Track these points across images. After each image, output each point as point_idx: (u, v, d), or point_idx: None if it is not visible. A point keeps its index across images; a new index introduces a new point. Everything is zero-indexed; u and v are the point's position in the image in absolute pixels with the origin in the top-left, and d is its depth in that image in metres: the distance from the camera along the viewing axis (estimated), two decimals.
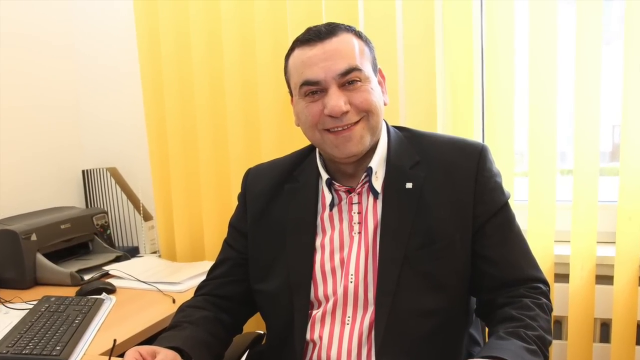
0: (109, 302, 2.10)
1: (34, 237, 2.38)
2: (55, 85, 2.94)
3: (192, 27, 2.56)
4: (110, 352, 1.52)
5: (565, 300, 2.20)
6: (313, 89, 1.49)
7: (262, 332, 1.99)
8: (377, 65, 1.59)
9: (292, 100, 1.61)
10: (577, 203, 2.15)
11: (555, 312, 2.14)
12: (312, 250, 1.58)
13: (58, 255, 2.51)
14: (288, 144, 2.39)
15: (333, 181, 1.59)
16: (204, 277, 1.79)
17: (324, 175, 1.60)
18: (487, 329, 1.59)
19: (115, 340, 1.55)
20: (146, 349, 1.38)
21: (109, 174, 2.92)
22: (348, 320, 1.51)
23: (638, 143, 2.05)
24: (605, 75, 2.08)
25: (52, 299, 2.00)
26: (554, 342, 2.30)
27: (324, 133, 1.51)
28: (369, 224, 1.54)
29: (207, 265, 1.94)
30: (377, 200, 1.55)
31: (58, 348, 1.63)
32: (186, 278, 2.32)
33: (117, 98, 2.98)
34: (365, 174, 1.55)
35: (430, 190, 1.53)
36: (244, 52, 2.52)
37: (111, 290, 2.23)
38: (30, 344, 1.64)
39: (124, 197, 2.91)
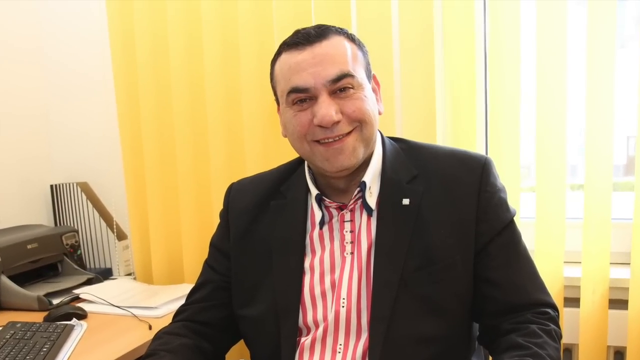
0: (79, 328, 2.08)
1: None
2: (21, 92, 2.94)
3: (170, 29, 2.57)
4: None
5: (576, 326, 2.20)
6: (301, 97, 1.49)
7: None
8: (371, 71, 1.60)
9: (278, 109, 1.61)
10: (589, 221, 2.15)
11: (565, 340, 2.15)
12: (301, 272, 1.58)
13: (24, 278, 2.49)
14: (274, 157, 2.39)
15: (323, 197, 1.59)
16: (182, 302, 1.79)
17: (314, 191, 1.60)
18: (490, 358, 1.59)
19: None
20: None
21: (79, 189, 2.92)
22: (340, 348, 1.51)
23: None
24: (619, 81, 2.08)
25: (18, 325, 1.99)
26: None
27: (313, 145, 1.51)
28: (362, 243, 1.54)
29: (187, 288, 1.93)
30: (372, 218, 1.56)
31: None
32: (163, 302, 2.31)
33: (89, 107, 2.98)
34: (358, 189, 1.56)
35: (429, 206, 1.53)
36: (226, 56, 2.52)
37: (82, 315, 2.22)
38: None
39: (96, 214, 2.90)
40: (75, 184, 2.93)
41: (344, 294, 1.52)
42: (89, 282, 2.61)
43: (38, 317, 2.21)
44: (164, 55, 2.61)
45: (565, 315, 2.23)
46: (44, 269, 2.64)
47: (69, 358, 1.84)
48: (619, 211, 2.18)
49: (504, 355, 1.41)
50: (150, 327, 2.10)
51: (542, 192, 2.20)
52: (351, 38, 1.55)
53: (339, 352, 1.51)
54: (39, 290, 2.42)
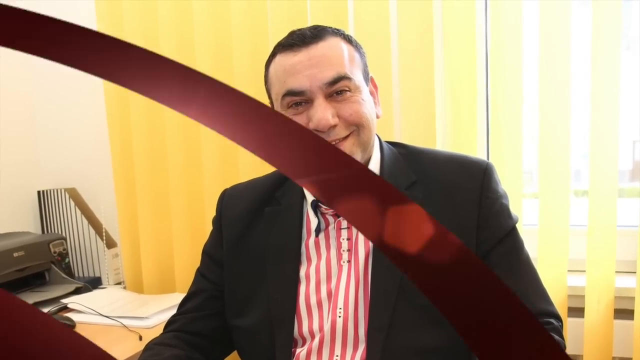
0: None
1: None
2: (7, 94, 2.93)
3: (160, 29, 2.57)
4: None
5: (581, 337, 2.20)
6: (297, 100, 1.49)
7: None
8: (368, 74, 1.60)
9: None
10: (593, 228, 2.14)
11: (569, 350, 2.14)
12: (296, 280, 1.58)
13: (10, 287, 2.48)
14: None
15: (319, 203, 1.59)
16: (174, 311, 1.79)
17: (309, 197, 1.60)
18: None
19: None
20: None
21: (67, 195, 2.92)
22: (336, 359, 1.51)
23: None
24: (625, 84, 2.07)
25: None
26: None
27: None
28: (359, 251, 1.54)
29: (178, 297, 1.93)
30: None
31: None
32: (154, 312, 2.31)
33: (77, 110, 2.98)
34: None
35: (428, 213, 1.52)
36: (219, 58, 2.53)
37: (70, 325, 2.21)
38: None
39: (85, 221, 2.90)
40: (63, 190, 2.93)
41: (340, 303, 1.52)
42: (77, 291, 2.60)
43: None
44: None
45: (569, 325, 2.22)
46: (30, 278, 2.63)
47: None
48: (624, 218, 2.18)
49: None
50: (140, 338, 2.09)
51: (545, 198, 2.19)
52: (348, 39, 1.55)
53: None
54: (25, 300, 2.39)
